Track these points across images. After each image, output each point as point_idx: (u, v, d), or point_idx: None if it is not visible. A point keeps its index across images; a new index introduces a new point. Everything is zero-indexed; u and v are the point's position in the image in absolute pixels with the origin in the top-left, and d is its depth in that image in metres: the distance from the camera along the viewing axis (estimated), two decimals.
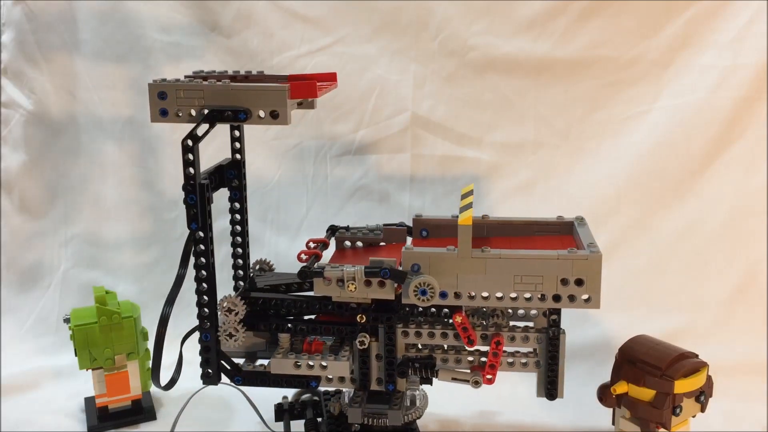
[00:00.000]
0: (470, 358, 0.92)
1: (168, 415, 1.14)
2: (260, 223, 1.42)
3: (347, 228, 1.02)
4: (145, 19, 1.35)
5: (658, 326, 1.22)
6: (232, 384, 1.17)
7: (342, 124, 1.39)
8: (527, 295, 0.84)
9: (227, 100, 0.82)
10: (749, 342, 1.30)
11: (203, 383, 0.94)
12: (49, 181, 1.42)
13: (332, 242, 1.01)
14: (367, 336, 0.89)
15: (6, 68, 1.39)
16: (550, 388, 0.91)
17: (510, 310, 0.92)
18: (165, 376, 1.24)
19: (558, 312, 0.89)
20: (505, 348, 0.90)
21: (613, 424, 0.97)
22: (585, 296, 0.82)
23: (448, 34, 1.35)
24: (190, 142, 0.84)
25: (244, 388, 1.16)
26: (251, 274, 1.02)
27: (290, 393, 1.11)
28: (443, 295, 0.84)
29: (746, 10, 1.29)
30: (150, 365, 1.17)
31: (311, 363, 0.90)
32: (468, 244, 0.82)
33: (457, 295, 0.84)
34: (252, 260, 1.04)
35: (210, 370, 0.93)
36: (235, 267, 1.02)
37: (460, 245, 0.83)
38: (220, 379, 0.94)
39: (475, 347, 0.91)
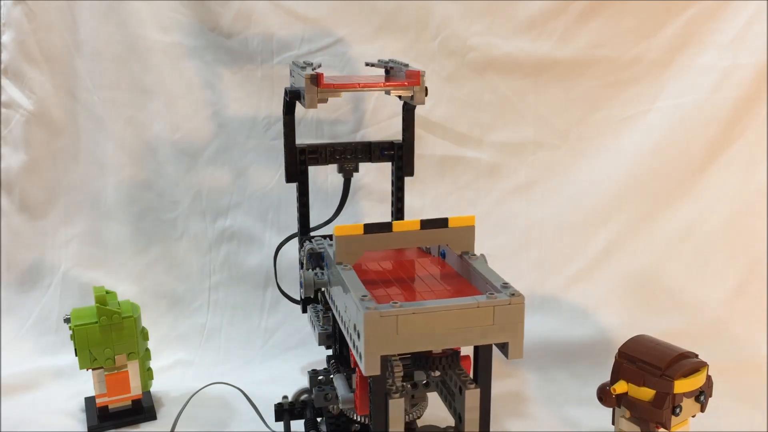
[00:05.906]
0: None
1: (168, 415, 1.14)
2: (260, 223, 1.42)
3: None
4: (145, 19, 1.35)
5: (658, 326, 1.22)
6: (232, 384, 1.18)
7: (342, 125, 1.39)
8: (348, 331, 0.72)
9: (297, 82, 0.97)
10: (749, 342, 1.30)
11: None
12: (49, 181, 1.42)
13: None
14: (329, 317, 0.91)
15: (6, 68, 1.38)
16: None
17: None
18: (162, 381, 1.25)
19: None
20: None
21: (613, 424, 0.97)
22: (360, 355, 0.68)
23: (448, 34, 1.35)
24: (285, 112, 1.00)
25: (244, 389, 1.17)
26: None
27: (290, 393, 1.11)
28: (332, 298, 0.80)
29: (746, 10, 1.29)
30: (150, 365, 1.18)
31: (313, 318, 0.98)
32: (335, 254, 0.77)
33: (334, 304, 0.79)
34: None
35: (300, 299, 1.07)
36: None
37: (336, 254, 0.77)
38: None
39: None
